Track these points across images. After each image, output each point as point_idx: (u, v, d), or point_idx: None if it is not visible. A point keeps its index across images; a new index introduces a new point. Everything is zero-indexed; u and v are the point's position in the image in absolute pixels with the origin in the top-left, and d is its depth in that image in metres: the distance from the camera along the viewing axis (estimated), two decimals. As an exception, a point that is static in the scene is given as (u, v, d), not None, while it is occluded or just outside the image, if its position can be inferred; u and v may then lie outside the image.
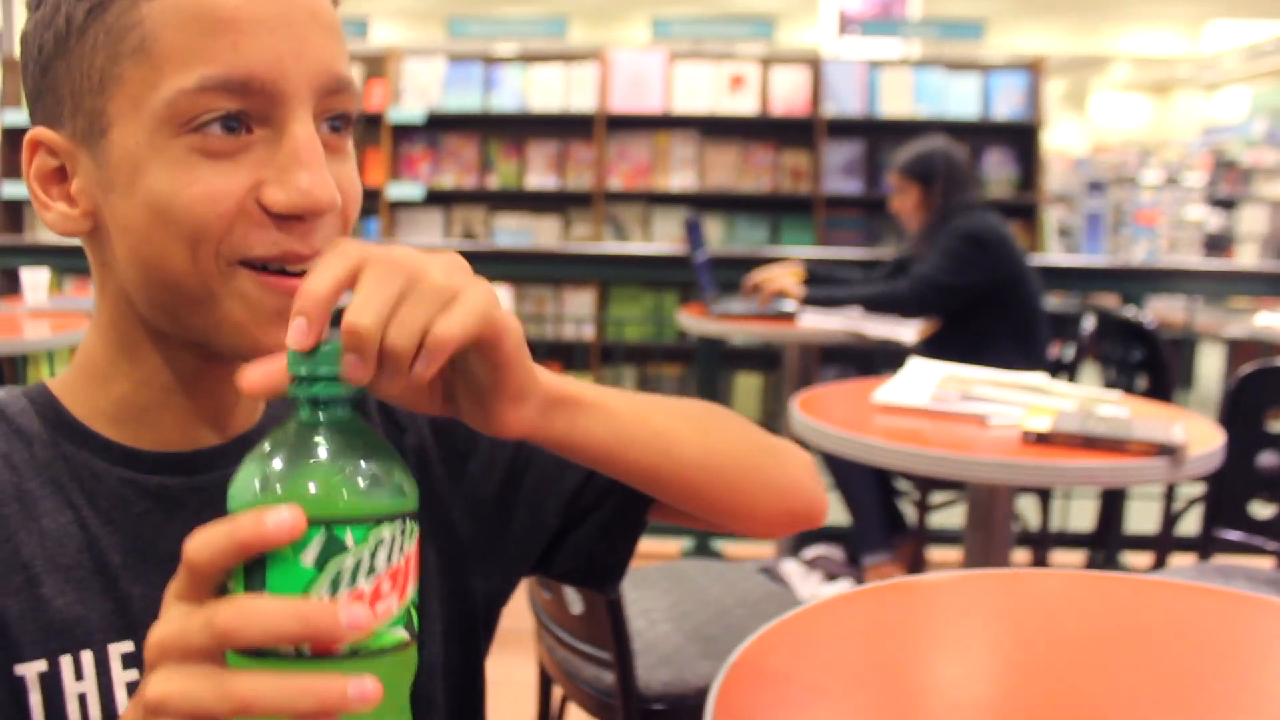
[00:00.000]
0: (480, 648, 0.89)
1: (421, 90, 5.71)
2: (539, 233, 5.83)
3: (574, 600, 1.57)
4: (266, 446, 0.54)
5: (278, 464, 0.53)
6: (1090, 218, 12.08)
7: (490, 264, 5.00)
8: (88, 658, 0.68)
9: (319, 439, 0.54)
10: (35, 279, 3.72)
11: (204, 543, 0.51)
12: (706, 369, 4.28)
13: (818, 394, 2.15)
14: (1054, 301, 4.07)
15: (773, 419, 5.01)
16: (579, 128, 5.73)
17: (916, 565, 3.31)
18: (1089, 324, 3.25)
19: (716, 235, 5.73)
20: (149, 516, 0.72)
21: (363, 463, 0.53)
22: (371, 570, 0.51)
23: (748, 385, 5.55)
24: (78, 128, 0.68)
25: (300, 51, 0.66)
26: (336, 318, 0.55)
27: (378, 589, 0.51)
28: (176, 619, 0.51)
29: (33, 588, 0.68)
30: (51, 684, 0.67)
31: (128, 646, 0.69)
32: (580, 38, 11.77)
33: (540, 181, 5.76)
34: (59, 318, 3.38)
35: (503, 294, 5.55)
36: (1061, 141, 15.26)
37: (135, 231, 0.67)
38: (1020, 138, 5.73)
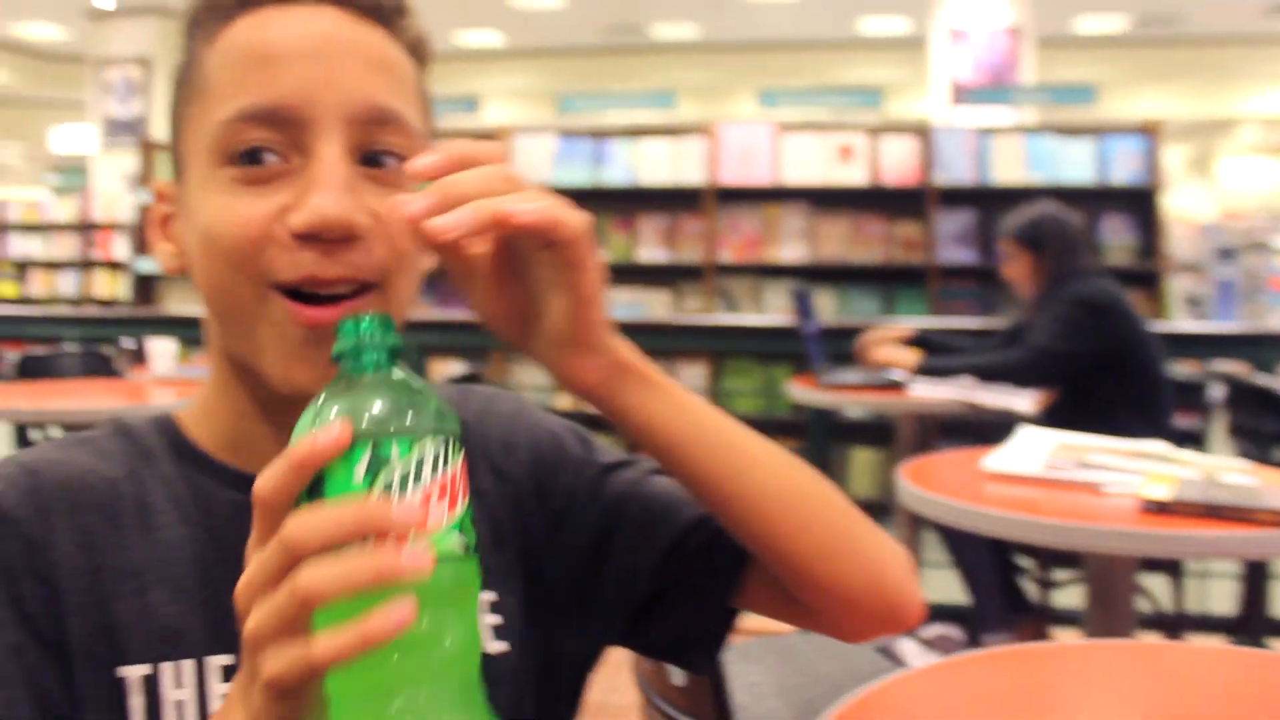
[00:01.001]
0: (564, 713, 0.86)
1: (533, 166, 5.83)
2: (650, 305, 5.86)
3: (676, 670, 1.54)
4: (319, 397, 0.57)
5: (324, 401, 0.56)
6: (1221, 285, 11.70)
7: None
8: (189, 666, 0.70)
9: (363, 380, 0.57)
10: (162, 348, 3.87)
11: (266, 477, 0.53)
12: (819, 442, 4.23)
13: (925, 463, 2.10)
14: (1180, 370, 3.92)
15: (889, 495, 4.91)
16: (689, 201, 5.78)
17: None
18: (1217, 392, 3.12)
19: (829, 307, 5.69)
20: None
21: (403, 388, 0.57)
22: (419, 479, 0.54)
23: (863, 460, 5.45)
24: (177, 172, 0.75)
25: (332, 81, 0.69)
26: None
27: (427, 498, 0.54)
28: (254, 560, 0.53)
29: (143, 594, 0.71)
30: (152, 689, 0.69)
31: (227, 659, 0.71)
32: (688, 112, 11.93)
33: (651, 254, 5.81)
34: (184, 385, 3.49)
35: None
36: (1187, 207, 14.85)
37: (198, 262, 0.72)
38: (1139, 203, 5.59)
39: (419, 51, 0.77)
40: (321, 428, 0.53)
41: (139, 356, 4.49)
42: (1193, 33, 12.39)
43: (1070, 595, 3.29)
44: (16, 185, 17.20)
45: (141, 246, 6.38)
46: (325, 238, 0.68)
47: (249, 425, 0.76)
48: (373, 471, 0.53)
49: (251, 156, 0.69)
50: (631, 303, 5.87)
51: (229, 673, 0.71)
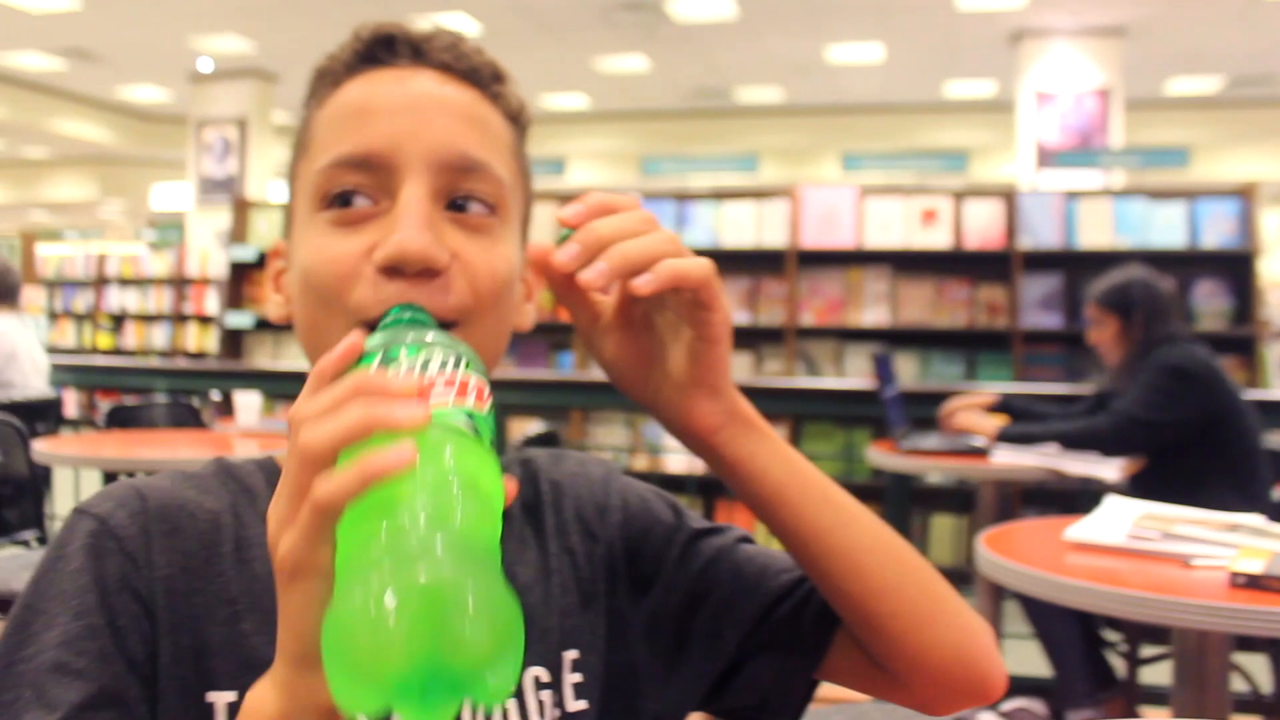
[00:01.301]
0: None
1: (615, 228, 5.88)
2: (731, 368, 5.85)
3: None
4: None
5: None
6: (1319, 353, 11.35)
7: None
8: None
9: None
10: (247, 401, 3.94)
11: (300, 399, 0.55)
12: (898, 507, 4.16)
13: (1006, 530, 2.05)
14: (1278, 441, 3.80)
15: (968, 562, 4.81)
16: (771, 263, 5.78)
17: (1125, 722, 3.07)
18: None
19: (910, 371, 5.63)
20: None
21: (424, 327, 0.64)
22: (424, 371, 0.57)
23: (942, 526, 5.35)
24: (288, 228, 0.81)
25: (419, 132, 0.74)
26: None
27: (431, 384, 0.56)
28: (310, 399, 0.54)
29: (235, 622, 0.73)
30: (237, 715, 0.69)
31: None
32: (771, 174, 11.97)
33: (733, 317, 5.80)
34: (267, 438, 3.55)
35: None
36: (1283, 273, 14.48)
37: (297, 302, 0.77)
38: (1234, 267, 5.46)
39: (518, 119, 0.82)
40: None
41: (226, 408, 4.59)
42: (1288, 95, 12.16)
43: (1159, 672, 3.17)
44: (117, 240, 17.82)
45: (232, 301, 6.54)
46: (406, 271, 0.71)
47: None
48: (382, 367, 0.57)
49: (343, 200, 0.74)
50: (711, 363, 5.86)
51: None
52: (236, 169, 11.50)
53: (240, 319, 6.46)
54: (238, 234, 6.56)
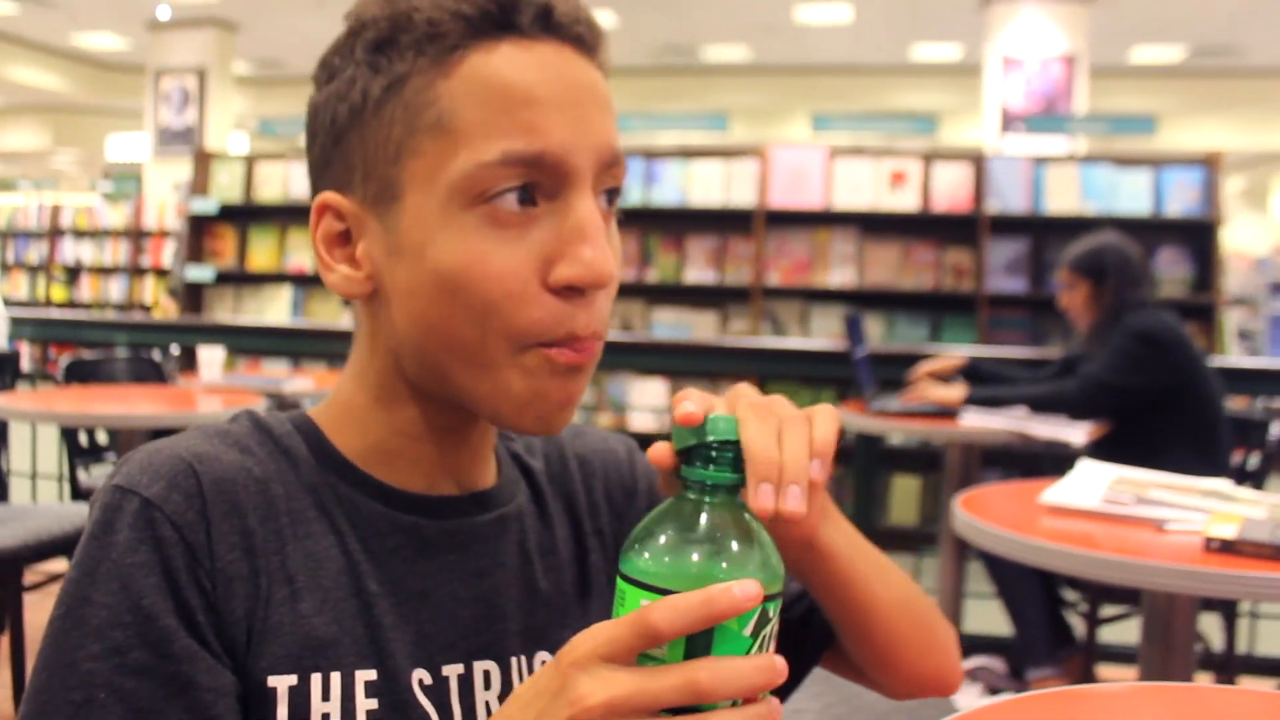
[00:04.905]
0: None
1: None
2: (696, 327, 5.85)
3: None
4: (680, 524, 0.59)
5: (709, 542, 0.58)
6: (1274, 320, 11.54)
7: (647, 356, 5.03)
8: (335, 679, 0.69)
9: (731, 520, 0.59)
10: (211, 356, 3.90)
11: (676, 611, 0.53)
12: (864, 469, 4.19)
13: (981, 493, 2.06)
14: (1236, 406, 3.85)
15: (931, 522, 4.85)
16: (738, 223, 5.77)
17: (1084, 682, 3.12)
18: (1277, 430, 3.06)
19: (876, 333, 5.65)
20: (402, 552, 0.75)
21: (769, 544, 0.59)
22: (774, 636, 0.58)
23: (905, 487, 5.40)
24: (369, 193, 0.72)
25: (585, 129, 0.70)
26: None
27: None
28: (629, 681, 0.53)
29: (295, 602, 0.70)
30: (299, 699, 0.68)
31: (372, 674, 0.71)
32: (741, 134, 11.93)
33: (699, 276, 5.80)
34: (231, 394, 3.52)
35: (659, 387, 5.58)
36: (1241, 241, 14.66)
37: (421, 297, 0.70)
38: (1196, 236, 5.51)
39: (606, 70, 0.77)
40: (738, 584, 0.54)
41: (188, 363, 4.54)
42: (1250, 64, 12.24)
43: (1117, 631, 3.23)
44: (71, 191, 17.51)
45: (192, 254, 6.44)
46: (588, 291, 0.70)
47: (404, 444, 0.77)
48: (758, 630, 0.56)
49: (506, 199, 0.68)
50: (678, 323, 5.86)
51: (373, 689, 0.70)
52: (196, 120, 11.29)
53: (200, 272, 6.37)
54: (198, 186, 6.45)
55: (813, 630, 0.87)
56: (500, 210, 0.68)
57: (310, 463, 0.75)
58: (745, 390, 0.68)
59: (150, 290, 11.74)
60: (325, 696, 0.68)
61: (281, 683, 0.68)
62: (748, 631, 0.55)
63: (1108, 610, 3.08)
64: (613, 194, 0.73)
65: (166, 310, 10.84)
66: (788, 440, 0.63)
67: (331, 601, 0.71)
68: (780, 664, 0.55)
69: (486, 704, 0.75)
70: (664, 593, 0.55)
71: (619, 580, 0.57)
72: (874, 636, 0.82)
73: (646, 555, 0.57)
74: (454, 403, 0.74)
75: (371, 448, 0.77)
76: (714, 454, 0.60)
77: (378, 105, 0.70)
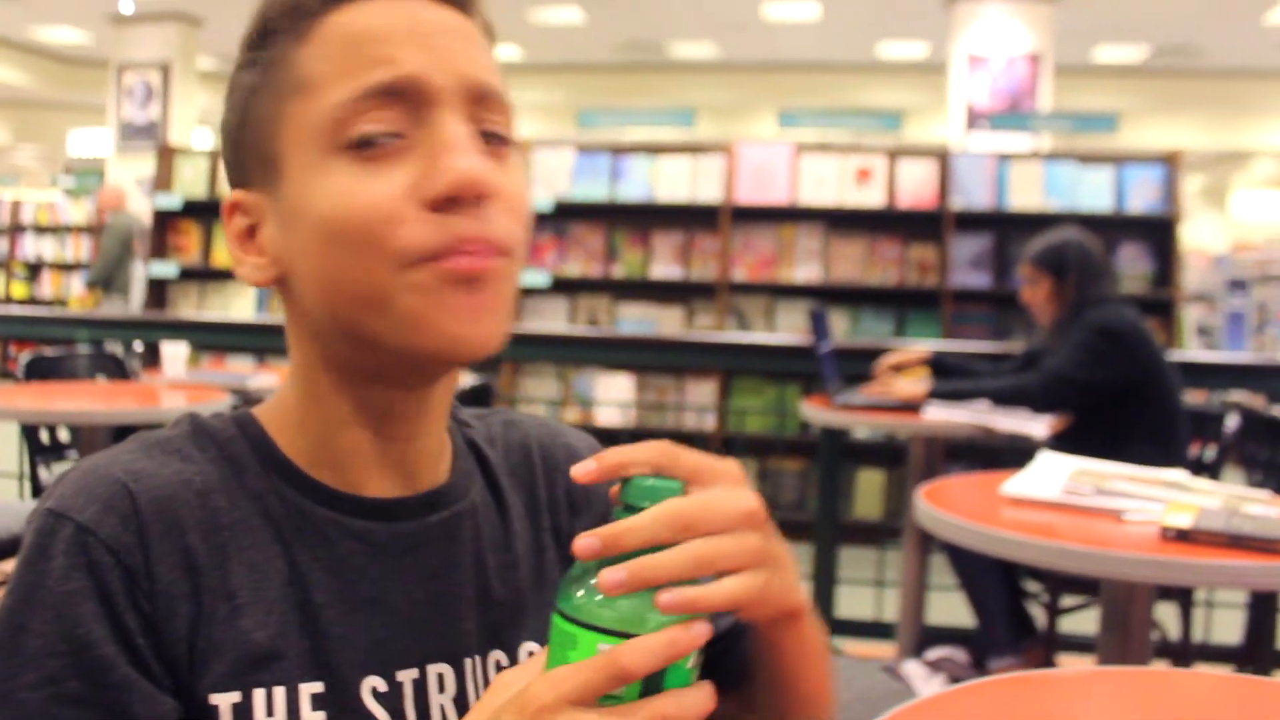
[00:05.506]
0: None
1: (550, 180, 5.84)
2: (662, 322, 5.86)
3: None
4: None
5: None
6: (1231, 316, 11.68)
7: (613, 351, 5.03)
8: (279, 694, 0.68)
9: None
10: (174, 352, 3.87)
11: (646, 654, 0.56)
12: (828, 463, 4.21)
13: (944, 485, 2.09)
14: (1194, 400, 3.90)
15: (895, 516, 4.89)
16: (705, 219, 5.78)
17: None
18: (1232, 423, 3.10)
19: (841, 328, 5.68)
20: (353, 559, 0.74)
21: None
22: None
23: (869, 481, 5.44)
24: (262, 179, 0.73)
25: (445, 58, 0.70)
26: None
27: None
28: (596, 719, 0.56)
29: (237, 618, 0.68)
30: (243, 717, 0.67)
31: (318, 687, 0.70)
32: (708, 130, 11.94)
33: (665, 271, 5.81)
34: (194, 389, 3.49)
35: (625, 382, 5.59)
36: (1200, 238, 14.84)
37: (311, 253, 0.70)
38: (1156, 232, 5.58)
39: (490, 37, 0.78)
40: (697, 624, 0.58)
41: (151, 359, 4.50)
42: (1210, 65, 12.39)
43: (1077, 621, 3.27)
44: (32, 187, 17.30)
45: (156, 250, 6.39)
46: (463, 199, 0.68)
47: (345, 438, 0.75)
48: (696, 660, 0.60)
49: (372, 135, 0.68)
50: (644, 319, 5.87)
51: (319, 701, 0.69)
52: (159, 115, 11.19)
53: (165, 268, 6.32)
54: (162, 182, 6.40)
55: (738, 656, 0.84)
56: (368, 148, 0.68)
57: (255, 468, 0.74)
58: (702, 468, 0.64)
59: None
60: (269, 712, 0.67)
61: (224, 700, 0.67)
62: (690, 664, 0.59)
63: (1068, 600, 3.11)
64: (496, 138, 0.72)
65: (84, 302, 10.78)
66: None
67: (275, 615, 0.69)
68: (713, 696, 0.58)
69: (441, 707, 0.74)
70: (624, 635, 0.57)
71: (564, 623, 0.58)
72: (792, 705, 0.79)
73: (598, 599, 0.58)
74: (380, 372, 0.73)
75: (313, 446, 0.75)
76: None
77: (257, 94, 0.72)
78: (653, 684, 0.57)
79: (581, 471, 0.62)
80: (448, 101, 0.69)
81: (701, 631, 0.57)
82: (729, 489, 0.63)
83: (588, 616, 0.58)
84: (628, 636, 0.57)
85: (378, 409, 0.75)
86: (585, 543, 0.58)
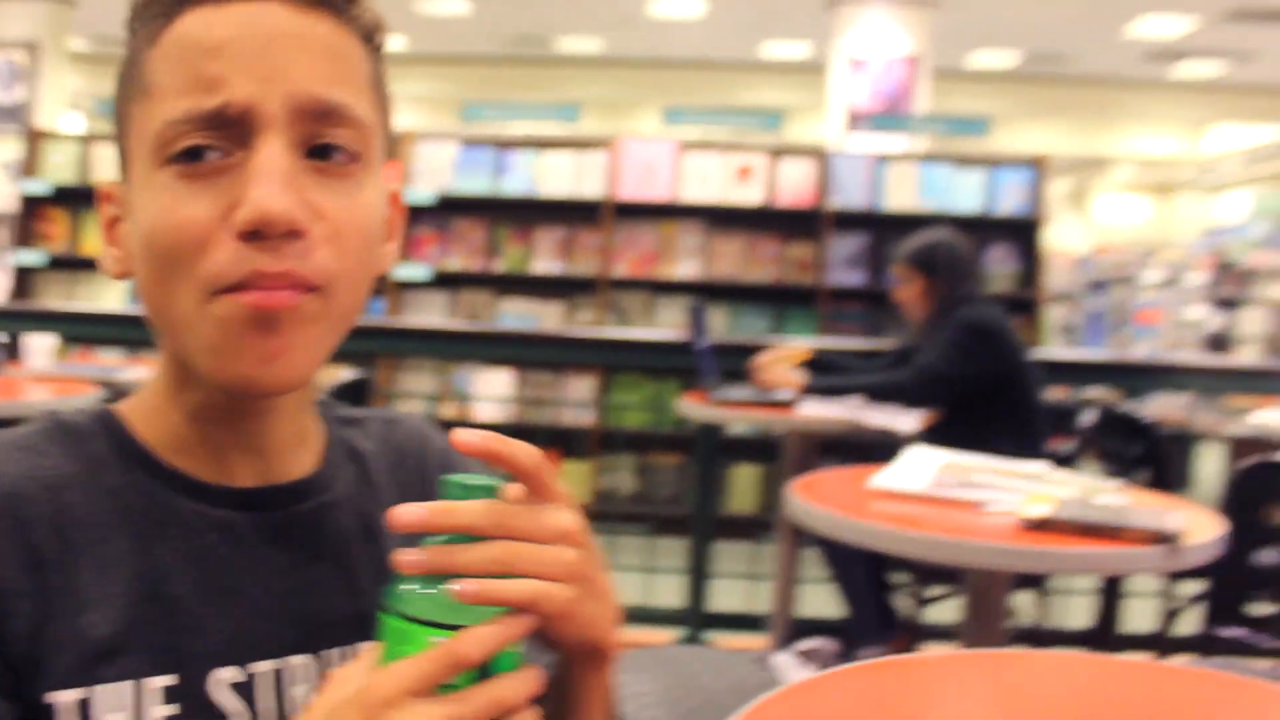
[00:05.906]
0: None
1: (433, 173, 5.79)
2: (544, 317, 5.86)
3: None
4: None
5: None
6: (1091, 316, 12.15)
7: (493, 346, 5.01)
8: (126, 689, 0.67)
9: None
10: (39, 343, 3.74)
11: (482, 643, 0.59)
12: (705, 458, 4.27)
13: (815, 479, 2.14)
14: (1054, 396, 4.06)
15: (769, 510, 4.97)
16: (587, 214, 5.79)
17: (913, 659, 3.25)
18: (1088, 418, 3.24)
19: (720, 324, 5.75)
20: (216, 549, 0.73)
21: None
22: None
23: (745, 476, 5.53)
24: (124, 172, 0.73)
25: (274, 77, 0.68)
26: None
27: None
28: (444, 711, 0.57)
29: (81, 614, 0.67)
30: (86, 713, 0.66)
31: (170, 679, 0.69)
32: (592, 125, 11.95)
33: (546, 266, 5.81)
34: (63, 383, 3.38)
35: (505, 377, 5.57)
36: (1064, 240, 15.37)
37: (138, 262, 0.71)
38: (1022, 234, 5.78)
39: (373, 38, 0.75)
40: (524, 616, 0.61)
41: (13, 351, 4.33)
42: (1077, 73, 12.83)
43: (942, 611, 3.39)
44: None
45: (22, 238, 6.16)
46: (267, 234, 0.66)
47: (199, 430, 0.75)
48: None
49: (192, 154, 0.67)
50: (524, 314, 5.86)
51: (172, 694, 0.68)
52: (26, 97, 10.75)
53: (32, 256, 6.09)
54: (29, 167, 6.16)
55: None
56: (190, 165, 0.67)
57: (114, 463, 0.73)
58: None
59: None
60: (116, 708, 0.66)
61: (63, 698, 0.65)
62: (520, 649, 0.63)
63: (933, 591, 3.22)
64: (332, 149, 0.70)
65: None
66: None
67: (123, 609, 0.68)
68: (539, 672, 0.62)
69: (300, 699, 0.74)
70: (455, 628, 0.59)
71: (397, 620, 0.60)
72: None
73: (430, 595, 0.60)
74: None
75: (172, 436, 0.75)
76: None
77: (121, 84, 0.73)
78: (483, 672, 0.60)
79: (463, 440, 0.62)
80: (271, 126, 0.67)
81: (528, 620, 0.61)
82: (559, 509, 0.65)
83: (420, 612, 0.60)
84: (457, 629, 0.59)
85: (228, 405, 0.74)
86: (408, 510, 0.61)
